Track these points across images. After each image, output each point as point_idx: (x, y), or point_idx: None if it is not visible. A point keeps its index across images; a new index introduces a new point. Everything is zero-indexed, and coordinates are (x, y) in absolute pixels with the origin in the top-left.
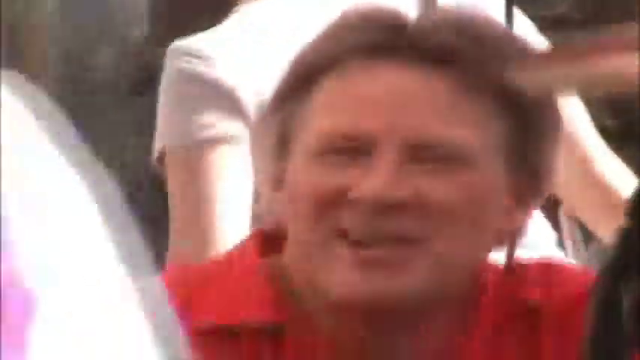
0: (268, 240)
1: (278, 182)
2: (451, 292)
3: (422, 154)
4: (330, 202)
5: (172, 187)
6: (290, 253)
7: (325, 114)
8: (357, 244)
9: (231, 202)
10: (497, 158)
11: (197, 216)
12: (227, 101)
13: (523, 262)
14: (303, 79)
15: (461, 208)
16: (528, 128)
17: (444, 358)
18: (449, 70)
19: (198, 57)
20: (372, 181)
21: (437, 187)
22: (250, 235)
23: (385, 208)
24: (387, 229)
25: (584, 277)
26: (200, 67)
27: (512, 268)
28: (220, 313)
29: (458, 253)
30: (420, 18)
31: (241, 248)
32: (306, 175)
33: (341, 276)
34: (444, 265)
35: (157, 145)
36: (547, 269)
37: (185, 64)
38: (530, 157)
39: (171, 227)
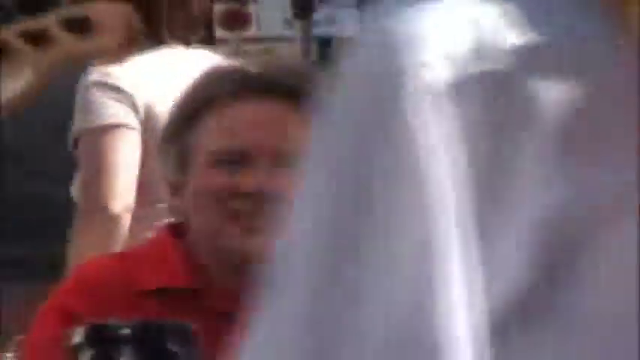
0: (177, 228)
1: (177, 190)
2: None
3: (282, 161)
4: (225, 197)
5: (84, 157)
6: (195, 235)
7: (214, 139)
8: (244, 221)
9: (124, 167)
10: None
11: (98, 175)
12: (126, 102)
13: None
14: (192, 114)
15: None
16: None
17: None
18: (291, 103)
19: (107, 74)
20: (253, 180)
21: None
22: (164, 227)
23: (261, 197)
24: (264, 210)
25: None
26: (108, 79)
27: None
28: (152, 280)
29: None
30: (260, 70)
31: (159, 235)
32: (207, 180)
33: (236, 241)
34: None
35: (73, 134)
36: None
37: (97, 77)
38: None
39: (78, 186)
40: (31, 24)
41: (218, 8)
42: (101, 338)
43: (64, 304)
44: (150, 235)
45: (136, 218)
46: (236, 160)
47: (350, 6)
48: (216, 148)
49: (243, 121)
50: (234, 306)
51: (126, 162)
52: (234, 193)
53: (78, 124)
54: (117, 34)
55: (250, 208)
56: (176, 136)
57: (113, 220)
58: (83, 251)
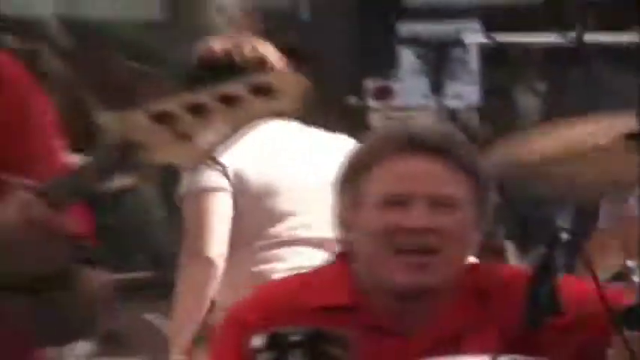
0: (345, 258)
1: (348, 226)
2: (451, 280)
3: (436, 204)
4: (391, 232)
5: (187, 213)
6: (360, 264)
7: (381, 185)
8: (406, 254)
9: (218, 221)
10: (471, 205)
11: (197, 227)
12: (220, 169)
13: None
14: (363, 165)
15: (457, 232)
16: (482, 189)
17: (440, 316)
18: (441, 157)
19: None
20: (415, 218)
21: (445, 221)
22: (335, 256)
23: (422, 232)
24: (422, 244)
25: (515, 270)
26: None
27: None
28: (318, 299)
29: (456, 258)
30: (420, 130)
31: (331, 263)
32: (375, 218)
33: (399, 273)
34: (449, 265)
35: (179, 195)
36: (495, 267)
37: None
38: (483, 205)
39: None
40: (225, 88)
41: (370, 83)
42: (276, 343)
43: (242, 317)
44: (246, 274)
45: (231, 260)
46: (399, 202)
47: (473, 84)
48: (383, 193)
49: (404, 171)
50: (388, 322)
51: (219, 217)
52: (398, 230)
53: (182, 187)
54: (294, 99)
55: (412, 245)
56: (349, 183)
57: (209, 263)
58: (185, 288)
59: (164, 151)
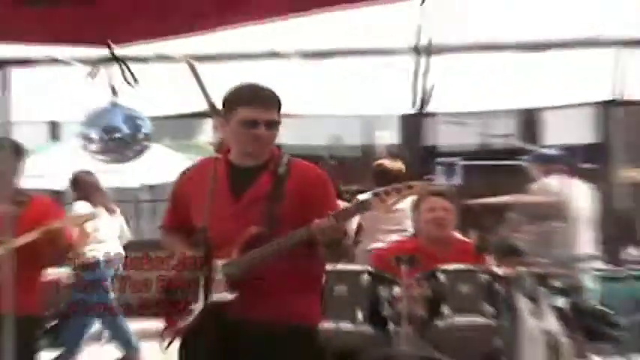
0: (415, 235)
1: (417, 223)
2: (450, 236)
3: (445, 210)
4: (432, 221)
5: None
6: (421, 236)
7: (427, 205)
8: (438, 222)
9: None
10: (455, 212)
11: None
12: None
13: None
14: (420, 201)
15: (452, 219)
16: (456, 207)
17: (450, 247)
18: (445, 196)
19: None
20: (440, 216)
21: (449, 216)
22: (413, 234)
23: (443, 218)
24: (443, 222)
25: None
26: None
27: None
28: (410, 247)
29: (450, 228)
30: (438, 187)
31: (411, 235)
32: (426, 218)
33: (435, 232)
34: (450, 230)
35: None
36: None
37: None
38: (457, 213)
39: None
40: (410, 183)
41: (426, 177)
42: (398, 260)
43: (380, 254)
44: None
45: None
46: (433, 210)
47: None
48: (427, 208)
49: (435, 200)
50: (431, 251)
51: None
52: (435, 219)
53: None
54: (426, 190)
55: (441, 222)
56: (416, 208)
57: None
58: None
59: (380, 206)
